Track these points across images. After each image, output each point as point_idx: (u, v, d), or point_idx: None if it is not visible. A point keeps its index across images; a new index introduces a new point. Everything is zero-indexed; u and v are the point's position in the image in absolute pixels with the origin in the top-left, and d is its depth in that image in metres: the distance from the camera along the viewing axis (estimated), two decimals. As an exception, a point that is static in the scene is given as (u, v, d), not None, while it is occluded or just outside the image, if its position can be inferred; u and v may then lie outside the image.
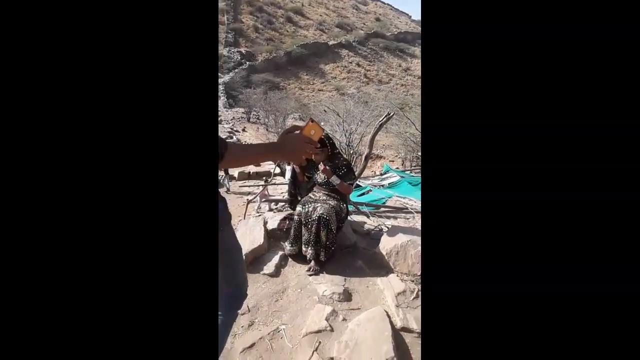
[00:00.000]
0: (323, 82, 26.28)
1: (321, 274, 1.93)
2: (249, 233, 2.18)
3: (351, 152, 9.14)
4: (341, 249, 2.22)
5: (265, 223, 2.34)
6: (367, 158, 2.66)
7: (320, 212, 1.91)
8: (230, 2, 28.76)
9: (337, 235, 2.03)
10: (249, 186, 5.13)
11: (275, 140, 0.91)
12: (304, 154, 0.87)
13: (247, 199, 3.86)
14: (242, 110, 19.48)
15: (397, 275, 1.92)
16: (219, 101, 20.12)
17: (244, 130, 15.82)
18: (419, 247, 1.92)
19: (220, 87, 21.90)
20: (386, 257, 2.02)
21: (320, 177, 2.15)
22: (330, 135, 2.77)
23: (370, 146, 2.64)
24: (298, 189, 2.38)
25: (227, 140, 0.85)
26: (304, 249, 1.98)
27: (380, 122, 2.54)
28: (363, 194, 6.10)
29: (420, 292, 1.76)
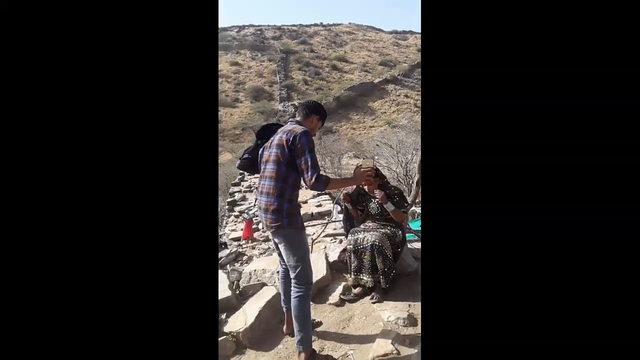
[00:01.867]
0: (373, 119, 26.81)
1: (385, 301, 1.97)
2: (312, 266, 2.34)
3: (410, 182, 8.99)
4: (403, 276, 2.23)
5: (326, 256, 2.48)
6: (418, 184, 2.70)
7: (372, 239, 1.98)
8: (281, 63, 32.06)
9: (394, 261, 2.07)
10: (313, 225, 5.38)
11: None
12: (364, 178, 1.62)
13: (312, 239, 4.08)
14: (299, 156, 20.59)
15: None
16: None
17: (303, 175, 16.70)
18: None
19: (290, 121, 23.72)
20: (450, 281, 1.97)
21: (373, 208, 2.26)
22: (382, 166, 2.89)
23: (420, 171, 2.69)
24: (352, 225, 2.50)
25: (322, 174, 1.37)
26: (360, 277, 2.04)
27: (426, 148, 2.62)
28: (426, 222, 5.85)
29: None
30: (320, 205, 6.29)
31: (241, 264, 8.19)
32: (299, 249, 1.46)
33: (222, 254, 7.84)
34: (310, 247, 3.61)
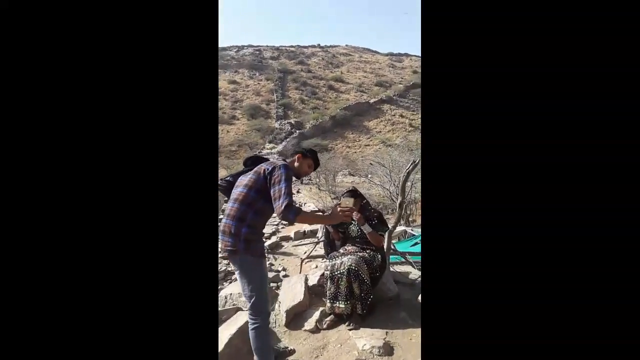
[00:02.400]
0: (369, 137, 27.12)
1: (362, 328, 1.91)
2: (290, 290, 2.28)
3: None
4: (383, 301, 2.18)
5: (306, 280, 2.43)
6: (400, 206, 2.69)
7: (349, 264, 1.94)
8: (279, 82, 32.67)
9: (372, 286, 2.02)
10: (306, 244, 5.31)
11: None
12: (341, 217, 1.46)
13: (301, 258, 4.01)
14: (294, 174, 20.68)
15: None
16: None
17: (298, 192, 16.67)
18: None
19: (275, 156, 23.95)
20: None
21: (353, 230, 2.23)
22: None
23: (402, 194, 2.69)
24: (334, 247, 2.47)
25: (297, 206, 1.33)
26: (337, 304, 1.98)
27: (407, 170, 2.62)
28: (416, 243, 5.82)
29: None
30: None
31: (230, 282, 8.01)
32: (255, 278, 1.39)
33: (211, 273, 7.70)
34: (300, 266, 3.54)
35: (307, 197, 15.45)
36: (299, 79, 34.06)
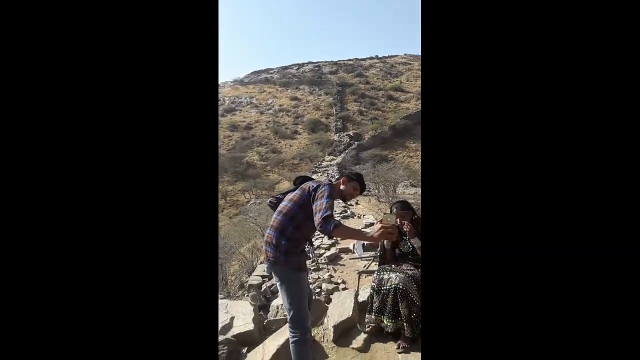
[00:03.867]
0: (431, 146, 25.79)
1: (412, 352, 1.80)
2: (340, 304, 2.26)
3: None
4: (438, 324, 2.03)
5: (357, 295, 2.39)
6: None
7: (396, 282, 1.86)
8: (337, 96, 33.29)
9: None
10: (366, 258, 5.22)
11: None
12: (383, 235, 1.30)
13: (358, 272, 3.95)
14: (354, 186, 20.62)
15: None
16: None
17: (357, 203, 16.55)
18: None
19: (335, 168, 24.30)
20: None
21: (405, 247, 2.14)
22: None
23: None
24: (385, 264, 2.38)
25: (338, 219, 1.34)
26: (381, 318, 1.91)
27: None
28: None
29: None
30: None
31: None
32: (293, 291, 1.42)
33: (274, 281, 7.98)
34: (357, 280, 3.49)
35: (367, 209, 15.23)
36: (358, 91, 34.27)
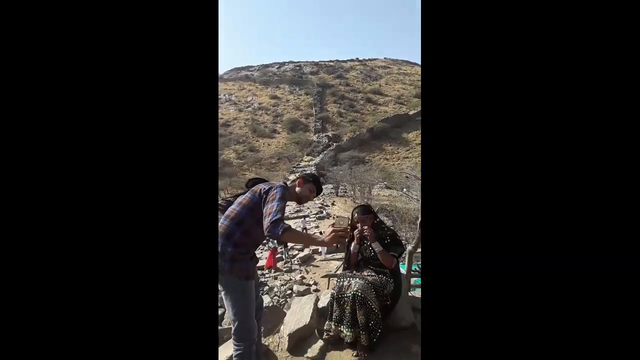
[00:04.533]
0: (408, 150, 26.37)
1: (368, 360, 1.75)
2: (298, 311, 2.18)
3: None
4: (398, 331, 1.99)
5: (317, 301, 2.32)
6: (422, 226, 2.49)
7: (355, 288, 1.81)
8: (317, 96, 33.30)
9: (384, 316, 1.85)
10: (338, 259, 5.17)
11: None
12: (335, 239, 1.27)
13: (328, 275, 3.89)
14: (330, 186, 20.71)
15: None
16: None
17: (333, 204, 16.60)
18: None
19: (312, 169, 24.27)
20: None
21: (366, 250, 2.09)
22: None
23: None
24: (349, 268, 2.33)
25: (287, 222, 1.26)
26: (340, 329, 1.85)
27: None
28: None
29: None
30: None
31: (262, 293, 8.06)
32: (239, 300, 1.32)
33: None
34: (327, 282, 3.43)
35: (342, 210, 15.32)
36: (337, 92, 34.44)
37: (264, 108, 31.94)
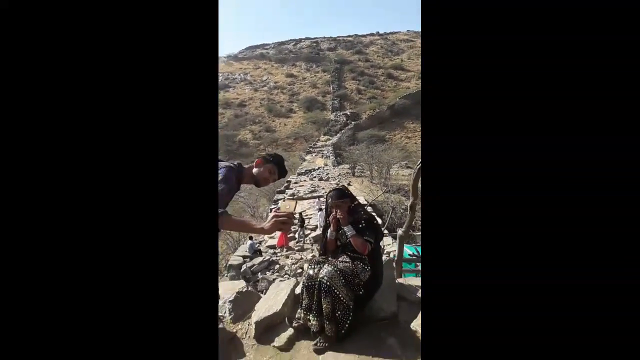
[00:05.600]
0: (429, 127, 25.49)
1: (334, 352, 1.62)
2: (272, 297, 2.08)
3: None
4: (373, 322, 1.84)
5: (295, 286, 2.20)
6: (412, 208, 2.28)
7: (321, 275, 1.66)
8: (335, 73, 32.43)
9: (356, 306, 1.70)
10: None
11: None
12: (277, 225, 1.10)
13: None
14: (347, 166, 20.46)
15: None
16: (328, 161, 21.78)
17: (349, 184, 16.40)
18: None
19: (330, 148, 23.93)
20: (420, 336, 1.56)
21: (344, 237, 1.92)
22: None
23: (414, 194, 2.27)
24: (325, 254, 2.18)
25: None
26: (309, 317, 1.72)
27: (418, 166, 2.19)
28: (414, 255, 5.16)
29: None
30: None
31: (272, 272, 8.19)
32: None
33: (256, 261, 7.95)
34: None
35: (359, 191, 15.09)
36: (356, 68, 33.33)
37: (279, 87, 31.56)
